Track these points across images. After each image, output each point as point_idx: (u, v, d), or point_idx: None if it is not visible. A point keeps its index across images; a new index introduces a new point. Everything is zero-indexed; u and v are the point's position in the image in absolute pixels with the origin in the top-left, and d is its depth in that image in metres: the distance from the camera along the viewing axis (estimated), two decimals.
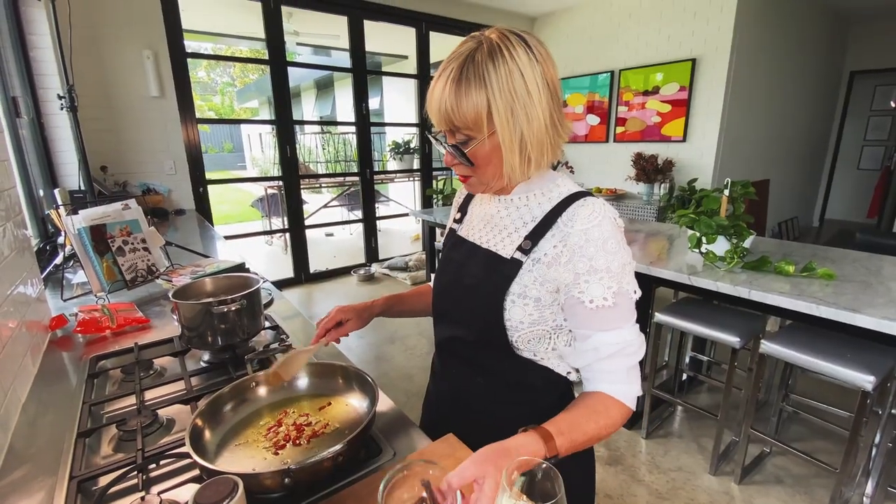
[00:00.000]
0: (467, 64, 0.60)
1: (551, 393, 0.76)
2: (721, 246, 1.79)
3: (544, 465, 0.44)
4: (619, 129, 4.66)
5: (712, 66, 3.89)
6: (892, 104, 6.28)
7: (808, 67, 5.20)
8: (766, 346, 1.65)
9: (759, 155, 4.67)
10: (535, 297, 0.68)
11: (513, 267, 0.68)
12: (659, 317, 1.97)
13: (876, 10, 5.31)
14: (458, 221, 0.85)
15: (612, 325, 0.65)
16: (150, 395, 0.90)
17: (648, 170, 4.15)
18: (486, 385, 0.77)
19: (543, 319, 0.69)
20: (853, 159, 6.65)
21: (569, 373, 0.75)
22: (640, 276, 1.97)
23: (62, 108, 2.06)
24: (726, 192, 1.87)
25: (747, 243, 1.79)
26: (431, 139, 0.70)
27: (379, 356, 2.96)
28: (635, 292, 0.66)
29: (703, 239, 1.81)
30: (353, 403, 0.79)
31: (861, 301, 1.41)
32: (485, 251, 0.73)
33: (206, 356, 1.04)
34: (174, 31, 3.27)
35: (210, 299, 0.98)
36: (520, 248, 0.69)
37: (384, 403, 0.84)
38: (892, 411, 1.71)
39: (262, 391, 0.80)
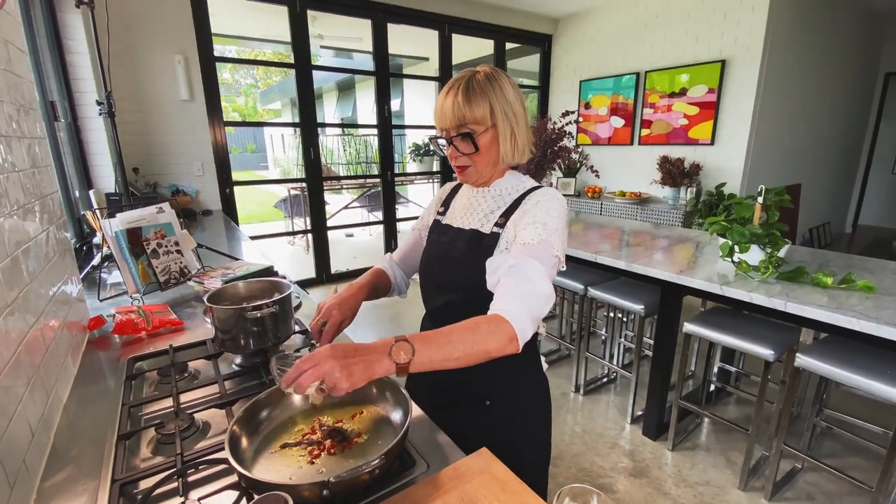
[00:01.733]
0: (472, 82, 0.85)
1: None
2: (754, 255, 1.74)
3: (599, 495, 0.43)
4: (644, 132, 4.58)
5: (742, 68, 3.80)
6: None
7: (842, 69, 5.03)
8: (802, 360, 1.60)
9: (790, 159, 4.53)
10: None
11: (492, 238, 0.89)
12: (688, 327, 1.92)
13: None
14: (442, 214, 1.04)
15: (525, 255, 0.79)
16: (185, 398, 0.91)
17: (674, 173, 4.06)
18: None
19: None
20: (888, 163, 6.40)
21: (538, 328, 0.88)
22: (668, 285, 1.93)
23: (100, 114, 2.13)
24: (760, 199, 1.82)
25: (782, 253, 1.74)
26: (433, 142, 0.93)
27: None
28: (558, 252, 0.82)
29: (736, 248, 1.76)
30: (385, 413, 0.79)
31: None
32: (470, 231, 0.93)
33: (238, 359, 1.05)
34: (204, 35, 3.34)
35: (244, 304, 1.00)
36: (496, 224, 0.90)
37: (415, 413, 0.84)
38: None
39: (297, 397, 0.80)
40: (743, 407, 2.40)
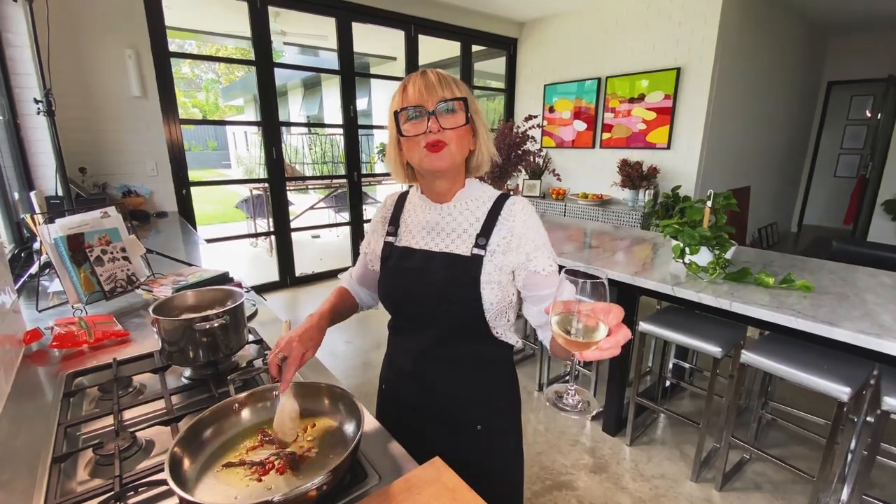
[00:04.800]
0: (434, 72, 0.84)
1: (505, 361, 0.95)
2: (704, 257, 1.82)
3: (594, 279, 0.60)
4: (606, 136, 4.71)
5: (696, 75, 3.96)
6: (868, 114, 6.47)
7: (788, 77, 5.33)
8: (747, 357, 1.68)
9: (740, 162, 4.76)
10: (497, 281, 0.83)
11: (475, 263, 0.82)
12: (643, 326, 1.99)
13: (853, 22, 5.46)
14: (393, 234, 0.93)
15: (556, 283, 0.79)
16: (128, 414, 0.88)
17: (633, 176, 4.20)
18: (462, 370, 0.90)
19: (503, 298, 0.85)
20: (830, 167, 6.83)
21: (517, 341, 0.93)
22: (624, 286, 1.98)
23: (39, 112, 2.00)
24: (709, 203, 1.90)
25: (729, 254, 1.82)
26: (394, 118, 0.83)
27: (366, 362, 2.95)
28: (556, 261, 0.85)
29: (687, 249, 1.83)
30: (338, 424, 0.78)
31: (838, 314, 1.44)
32: (443, 255, 0.84)
33: (188, 372, 1.01)
34: (157, 29, 3.21)
35: (192, 315, 0.97)
36: (476, 245, 0.83)
37: (369, 423, 0.83)
38: (867, 419, 1.76)
39: (246, 413, 0.78)
40: (696, 401, 2.50)
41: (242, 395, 0.79)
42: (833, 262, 2.03)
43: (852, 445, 1.84)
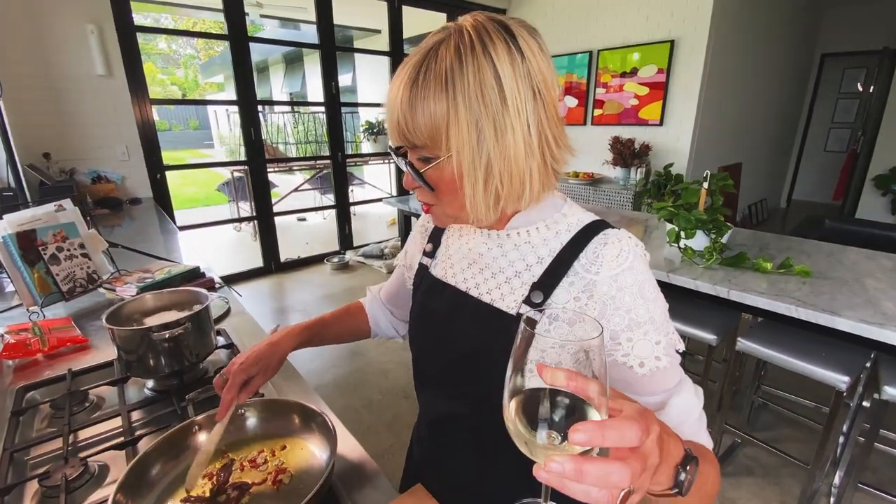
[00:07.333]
0: (428, 62, 0.49)
1: None
2: (700, 241, 1.76)
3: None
4: (597, 112, 4.59)
5: (690, 48, 3.84)
6: (860, 87, 6.40)
7: (782, 50, 5.21)
8: (743, 344, 1.64)
9: (733, 138, 4.69)
10: (555, 363, 0.50)
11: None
12: None
13: None
14: (430, 255, 0.71)
15: (669, 387, 0.52)
16: (83, 434, 0.80)
17: (625, 154, 4.11)
18: (499, 468, 0.62)
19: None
20: (821, 141, 6.79)
21: None
22: None
23: None
24: (705, 184, 1.83)
25: (725, 238, 1.76)
26: (393, 155, 0.56)
27: (354, 351, 2.88)
28: (679, 346, 0.53)
29: (682, 233, 1.77)
30: (311, 448, 0.71)
31: (839, 301, 1.39)
32: (478, 303, 0.60)
33: (150, 383, 0.93)
34: (121, 2, 2.99)
35: (150, 323, 0.88)
36: (528, 301, 0.54)
37: (347, 444, 0.76)
38: (863, 404, 1.74)
39: (205, 436, 0.71)
40: None
41: (201, 416, 0.71)
42: (830, 244, 1.98)
43: (844, 428, 1.84)
